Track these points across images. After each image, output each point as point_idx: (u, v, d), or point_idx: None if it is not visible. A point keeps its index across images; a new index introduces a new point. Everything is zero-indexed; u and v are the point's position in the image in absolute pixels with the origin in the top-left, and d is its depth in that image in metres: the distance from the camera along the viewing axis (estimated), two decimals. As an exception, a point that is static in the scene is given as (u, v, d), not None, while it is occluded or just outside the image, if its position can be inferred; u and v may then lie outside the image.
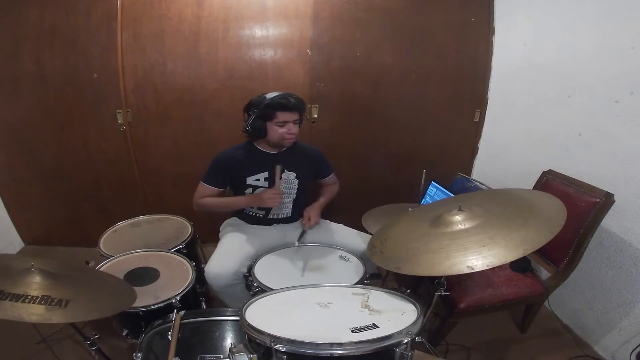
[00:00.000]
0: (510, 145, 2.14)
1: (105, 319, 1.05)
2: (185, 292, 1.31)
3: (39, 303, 0.91)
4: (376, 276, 1.84)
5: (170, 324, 1.11)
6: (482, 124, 2.35)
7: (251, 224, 1.68)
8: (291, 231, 1.65)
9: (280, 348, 0.80)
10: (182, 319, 1.14)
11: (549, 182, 1.64)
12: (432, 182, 1.86)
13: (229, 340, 1.12)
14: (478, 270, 0.87)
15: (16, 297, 0.90)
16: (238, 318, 1.05)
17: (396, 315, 0.93)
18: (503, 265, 1.02)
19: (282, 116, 1.47)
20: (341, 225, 1.72)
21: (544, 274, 1.62)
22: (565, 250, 1.45)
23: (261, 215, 1.66)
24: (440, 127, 2.35)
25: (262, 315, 0.95)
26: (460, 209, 1.06)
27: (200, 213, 1.63)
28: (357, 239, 1.60)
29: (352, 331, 0.86)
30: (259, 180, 1.58)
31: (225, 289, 1.42)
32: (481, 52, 2.22)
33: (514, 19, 2.07)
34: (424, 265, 0.96)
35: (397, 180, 2.36)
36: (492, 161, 2.34)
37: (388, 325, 0.89)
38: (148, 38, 2.03)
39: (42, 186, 2.31)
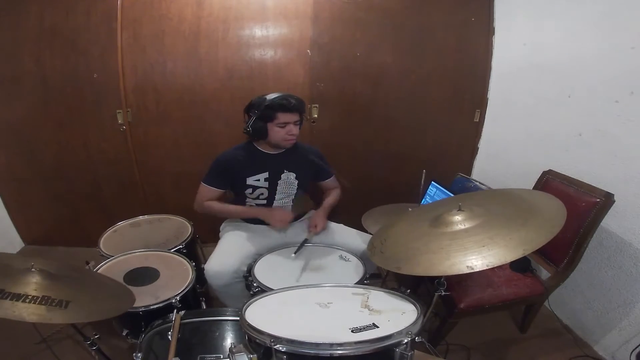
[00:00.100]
0: (510, 145, 2.14)
1: (105, 319, 1.05)
2: (185, 292, 1.31)
3: (40, 303, 0.91)
4: (376, 276, 1.84)
5: (170, 324, 1.12)
6: (482, 124, 2.35)
7: (251, 223, 1.68)
8: (291, 231, 1.65)
9: (280, 348, 0.80)
10: (182, 319, 1.14)
11: (549, 182, 1.64)
12: (432, 182, 1.86)
13: (229, 340, 1.12)
14: (478, 270, 0.87)
15: (17, 297, 0.90)
16: (238, 318, 1.05)
17: (396, 315, 0.93)
18: (503, 265, 1.02)
19: (282, 117, 1.47)
20: (341, 225, 1.72)
21: (544, 274, 1.62)
22: (565, 250, 1.45)
23: (261, 215, 1.67)
24: (440, 127, 2.35)
25: (262, 315, 0.95)
26: (460, 209, 1.06)
27: (201, 213, 1.63)
28: (357, 239, 1.60)
29: (352, 331, 0.86)
30: (259, 180, 1.58)
31: (225, 287, 1.42)
32: (481, 52, 2.22)
33: (514, 19, 2.07)
34: (424, 265, 0.96)
35: (397, 180, 2.36)
36: (492, 161, 2.34)
37: (388, 325, 0.89)
38: (148, 38, 2.03)
39: (42, 186, 2.31)
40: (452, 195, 1.68)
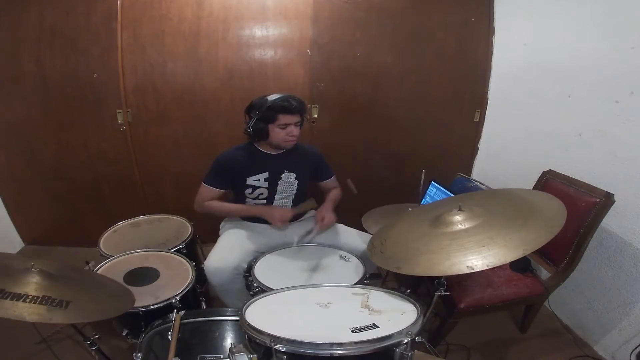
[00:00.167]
0: (510, 145, 2.14)
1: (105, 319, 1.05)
2: (185, 292, 1.31)
3: (40, 303, 0.91)
4: (376, 276, 1.84)
5: (170, 324, 1.11)
6: (482, 124, 2.35)
7: (251, 221, 1.68)
8: (291, 230, 1.65)
9: (280, 348, 0.80)
10: (182, 319, 1.14)
11: (549, 182, 1.64)
12: (432, 182, 1.86)
13: (229, 340, 1.12)
14: (478, 270, 0.87)
15: (17, 297, 0.90)
16: (238, 318, 1.05)
17: (396, 315, 0.93)
18: (503, 265, 1.02)
19: (283, 119, 1.47)
20: (341, 225, 1.72)
21: (544, 274, 1.62)
22: (565, 250, 1.45)
23: (261, 215, 1.67)
24: (440, 127, 2.35)
25: (262, 315, 0.95)
26: (460, 209, 1.06)
27: (201, 213, 1.63)
28: (357, 239, 1.60)
29: (352, 331, 0.86)
30: (259, 180, 1.58)
31: (224, 285, 1.42)
32: (481, 52, 2.22)
33: (514, 19, 2.07)
34: (424, 265, 0.96)
35: (397, 180, 2.36)
36: (492, 161, 2.34)
37: (388, 325, 0.89)
38: (148, 38, 2.03)
39: (42, 186, 2.31)
40: (452, 195, 1.68)
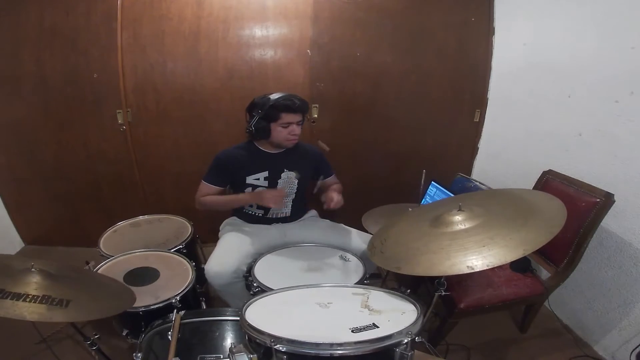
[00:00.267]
0: (510, 145, 2.14)
1: (105, 319, 1.05)
2: (185, 292, 1.31)
3: (40, 302, 0.91)
4: (376, 276, 1.84)
5: (170, 324, 1.11)
6: (482, 124, 2.35)
7: (251, 223, 1.68)
8: (291, 230, 1.65)
9: (280, 348, 0.80)
10: (182, 319, 1.14)
11: (549, 182, 1.64)
12: (432, 182, 1.86)
13: (229, 340, 1.12)
14: (478, 270, 0.87)
15: (17, 296, 0.90)
16: (238, 318, 1.05)
17: (396, 315, 0.93)
18: (503, 265, 1.02)
19: (286, 117, 1.48)
20: (341, 225, 1.72)
21: (544, 274, 1.62)
22: (565, 250, 1.45)
23: (260, 215, 1.67)
24: (440, 127, 2.35)
25: (262, 315, 0.95)
26: (460, 209, 1.06)
27: (201, 212, 1.63)
28: (357, 239, 1.60)
29: (352, 331, 0.86)
30: (258, 179, 1.58)
31: (225, 287, 1.42)
32: (481, 52, 2.22)
33: (514, 19, 2.07)
34: (424, 265, 0.96)
35: (397, 180, 2.36)
36: (492, 161, 2.34)
37: (388, 325, 0.88)
38: (148, 38, 2.03)
39: (42, 186, 2.31)
40: (452, 195, 1.68)
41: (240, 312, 0.96)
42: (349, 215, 1.74)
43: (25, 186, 2.31)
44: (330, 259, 1.47)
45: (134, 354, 1.05)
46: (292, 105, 1.47)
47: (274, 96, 1.47)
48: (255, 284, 1.30)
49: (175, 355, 0.99)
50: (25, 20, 1.97)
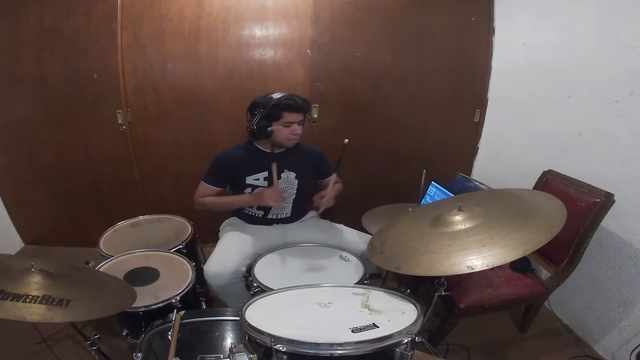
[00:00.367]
0: (511, 145, 2.14)
1: (105, 319, 1.06)
2: (185, 292, 1.31)
3: (40, 303, 0.91)
4: (376, 276, 1.84)
5: (170, 324, 1.11)
6: (482, 124, 2.35)
7: (251, 223, 1.68)
8: (291, 231, 1.65)
9: (281, 348, 0.80)
10: (182, 319, 1.14)
11: (549, 182, 1.64)
12: (432, 182, 1.86)
13: (229, 340, 1.12)
14: (478, 270, 0.87)
15: (17, 297, 0.90)
16: (238, 318, 1.05)
17: (396, 315, 0.93)
18: (503, 265, 1.02)
19: (288, 117, 1.48)
20: (341, 225, 1.72)
21: (544, 274, 1.62)
22: (565, 250, 1.45)
23: (260, 215, 1.66)
24: (440, 127, 2.35)
25: (262, 315, 0.95)
26: (460, 209, 1.06)
27: (201, 213, 1.63)
28: (357, 239, 1.60)
29: (352, 331, 0.86)
30: (258, 179, 1.58)
31: (224, 288, 1.42)
32: (481, 52, 2.22)
33: (514, 19, 2.07)
34: (424, 265, 0.96)
35: (397, 180, 2.36)
36: (492, 161, 2.34)
37: (388, 325, 0.88)
38: (148, 38, 2.03)
39: (42, 186, 2.31)
40: (452, 195, 1.68)
41: (240, 312, 0.96)
42: (349, 215, 1.74)
43: (25, 186, 2.31)
44: (330, 259, 1.47)
45: (134, 354, 1.05)
46: (294, 104, 1.47)
47: (276, 95, 1.48)
48: (255, 284, 1.29)
49: (175, 355, 0.99)
50: (25, 20, 1.97)
